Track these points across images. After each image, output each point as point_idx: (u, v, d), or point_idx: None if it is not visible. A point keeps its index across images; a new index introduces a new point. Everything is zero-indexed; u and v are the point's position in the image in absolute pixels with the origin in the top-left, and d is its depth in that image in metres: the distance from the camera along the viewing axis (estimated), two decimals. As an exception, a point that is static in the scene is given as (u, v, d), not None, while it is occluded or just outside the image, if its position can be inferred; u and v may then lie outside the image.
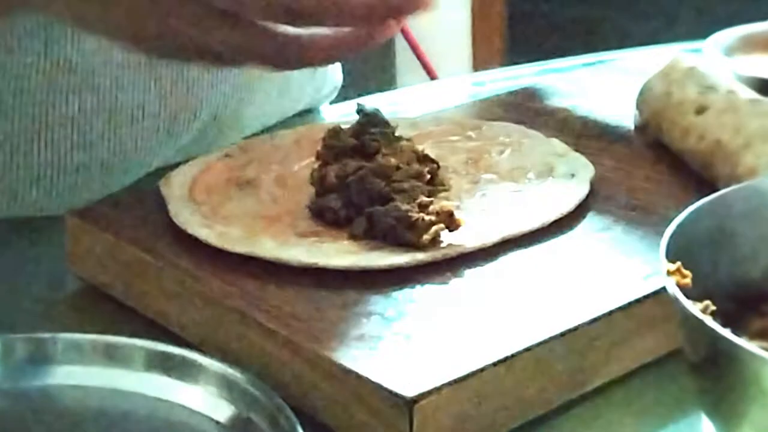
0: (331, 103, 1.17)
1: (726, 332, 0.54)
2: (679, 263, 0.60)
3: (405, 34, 2.89)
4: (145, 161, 0.98)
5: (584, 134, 0.95)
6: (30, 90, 0.90)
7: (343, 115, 0.97)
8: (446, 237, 0.77)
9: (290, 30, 0.69)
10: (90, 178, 0.95)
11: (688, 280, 0.59)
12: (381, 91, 1.26)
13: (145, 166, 0.98)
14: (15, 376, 0.70)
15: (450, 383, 0.64)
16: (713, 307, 0.58)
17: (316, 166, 0.84)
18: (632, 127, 0.96)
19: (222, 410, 0.67)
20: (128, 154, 0.97)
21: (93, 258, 0.82)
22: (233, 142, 0.94)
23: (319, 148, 0.84)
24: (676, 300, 0.57)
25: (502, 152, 0.90)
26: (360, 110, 0.86)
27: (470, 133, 0.93)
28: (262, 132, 1.05)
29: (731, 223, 0.65)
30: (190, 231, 0.79)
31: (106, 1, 0.72)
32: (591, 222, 0.81)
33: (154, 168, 0.99)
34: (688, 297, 0.57)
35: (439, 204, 0.78)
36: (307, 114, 1.13)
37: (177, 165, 0.88)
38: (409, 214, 0.76)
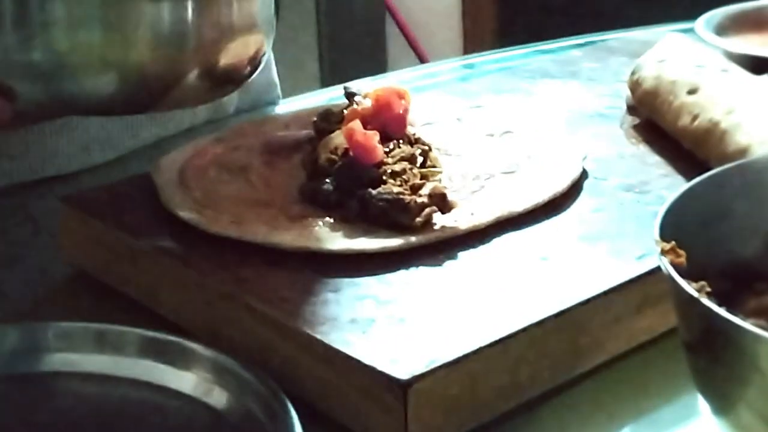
0: (322, 86, 1.16)
1: (721, 311, 0.54)
2: (673, 242, 0.60)
3: (395, 17, 2.88)
4: None
5: (576, 115, 0.95)
6: None
7: (330, 99, 0.96)
8: (439, 219, 0.76)
9: None
10: None
11: (682, 260, 0.59)
12: (372, 74, 1.26)
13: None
14: (7, 363, 0.70)
15: (444, 366, 0.63)
16: (708, 288, 0.58)
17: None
18: (625, 108, 0.96)
19: (215, 396, 0.66)
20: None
21: (84, 244, 0.81)
22: None
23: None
24: (670, 279, 0.57)
25: (492, 135, 0.89)
26: (348, 93, 0.86)
27: (460, 116, 0.93)
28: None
29: (725, 202, 0.65)
30: (181, 216, 0.78)
31: None
32: (584, 202, 0.80)
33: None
34: (682, 276, 0.57)
35: (432, 186, 0.78)
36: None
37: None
38: (402, 196, 0.76)
